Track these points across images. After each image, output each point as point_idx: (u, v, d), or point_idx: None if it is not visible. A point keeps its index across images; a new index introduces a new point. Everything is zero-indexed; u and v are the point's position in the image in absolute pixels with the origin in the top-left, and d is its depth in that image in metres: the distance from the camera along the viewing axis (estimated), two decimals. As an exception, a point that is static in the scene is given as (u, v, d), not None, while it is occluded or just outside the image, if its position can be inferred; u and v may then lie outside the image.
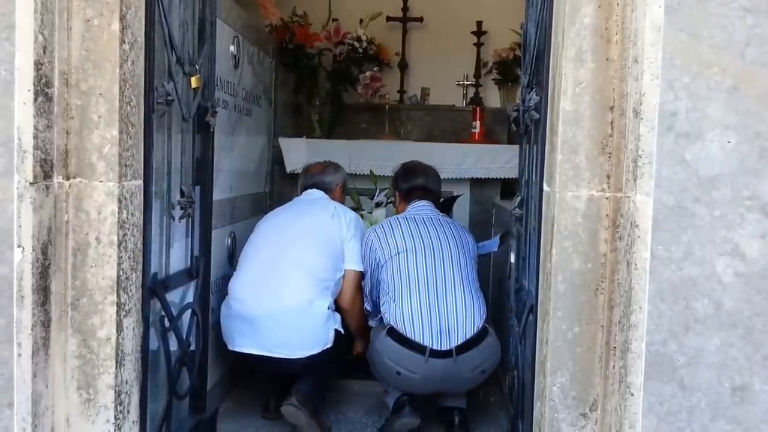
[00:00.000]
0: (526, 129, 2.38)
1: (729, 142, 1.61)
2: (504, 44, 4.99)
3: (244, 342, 3.05)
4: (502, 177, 4.37)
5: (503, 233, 3.61)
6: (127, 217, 1.96)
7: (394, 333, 2.97)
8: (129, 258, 1.99)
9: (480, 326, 2.96)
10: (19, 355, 1.78)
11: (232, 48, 3.38)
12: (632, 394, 1.68)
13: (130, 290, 2.01)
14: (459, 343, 2.91)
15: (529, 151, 2.33)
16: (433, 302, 2.97)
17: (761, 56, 1.60)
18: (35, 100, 1.76)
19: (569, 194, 1.85)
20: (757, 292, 1.60)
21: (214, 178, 2.73)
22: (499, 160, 4.36)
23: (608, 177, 1.84)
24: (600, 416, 1.84)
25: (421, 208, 3.29)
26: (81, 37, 1.86)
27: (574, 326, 1.85)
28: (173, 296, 2.39)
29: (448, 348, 2.90)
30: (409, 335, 2.94)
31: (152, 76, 2.05)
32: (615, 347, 1.79)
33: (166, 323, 2.28)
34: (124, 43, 1.89)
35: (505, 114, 2.97)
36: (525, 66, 2.41)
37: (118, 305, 1.94)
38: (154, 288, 2.16)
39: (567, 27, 1.84)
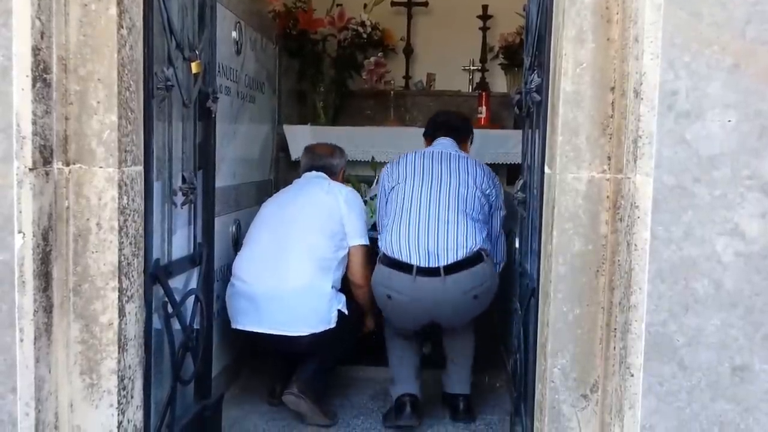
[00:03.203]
0: (528, 112, 2.37)
1: (729, 121, 1.60)
2: (510, 28, 4.94)
3: (247, 320, 3.07)
4: (508, 162, 4.35)
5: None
6: (127, 202, 1.96)
7: (385, 258, 2.99)
8: (130, 244, 2.00)
9: (473, 251, 2.93)
10: (21, 340, 1.79)
11: (234, 34, 3.37)
12: (632, 375, 1.67)
13: (132, 276, 2.02)
14: (448, 263, 2.89)
15: (531, 134, 2.32)
16: (424, 225, 2.95)
17: (762, 34, 1.58)
18: (33, 85, 1.76)
19: (570, 176, 1.84)
20: (757, 272, 1.59)
21: (217, 165, 2.73)
22: (505, 146, 4.34)
23: (609, 158, 1.83)
24: (600, 397, 1.84)
25: (439, 144, 3.26)
26: (78, 22, 1.86)
27: (575, 308, 1.85)
28: (176, 283, 2.40)
29: (436, 266, 2.88)
30: (397, 257, 2.94)
31: (151, 61, 2.05)
32: (615, 328, 1.78)
33: (169, 309, 2.29)
34: (122, 27, 1.89)
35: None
36: (527, 48, 2.40)
37: (120, 291, 1.95)
38: (156, 274, 2.17)
39: (567, 7, 1.82)
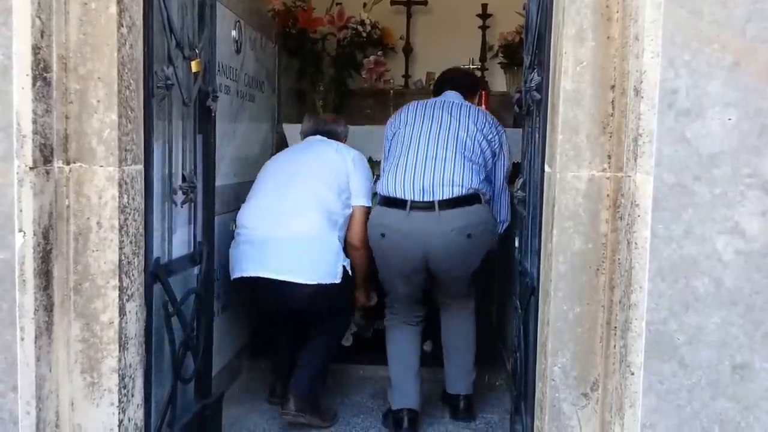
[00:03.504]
0: (528, 110, 2.36)
1: (729, 119, 1.60)
2: (510, 27, 4.94)
3: (250, 266, 2.98)
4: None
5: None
6: (128, 201, 1.97)
7: (381, 199, 2.98)
8: (131, 242, 2.00)
9: (470, 191, 2.90)
10: (22, 339, 1.79)
11: (233, 33, 3.37)
12: (633, 373, 1.67)
13: (132, 274, 2.02)
14: (443, 198, 2.87)
15: (531, 133, 2.32)
16: (420, 164, 2.93)
17: (762, 32, 1.58)
18: (34, 84, 1.77)
19: (570, 174, 1.84)
20: (758, 270, 1.59)
21: (217, 164, 2.73)
22: (504, 144, 4.33)
23: (609, 157, 1.83)
24: (601, 395, 1.84)
25: (444, 95, 3.21)
26: (78, 21, 1.86)
27: (575, 306, 1.85)
28: (177, 281, 2.40)
29: (430, 200, 2.87)
30: (392, 194, 2.92)
31: (151, 60, 2.05)
32: (616, 327, 1.78)
33: (170, 308, 2.30)
34: (122, 26, 1.89)
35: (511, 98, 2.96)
36: (527, 46, 2.40)
37: (121, 289, 1.95)
38: (156, 272, 2.17)
39: (567, 5, 1.82)
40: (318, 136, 3.32)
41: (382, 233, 2.94)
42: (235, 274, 3.04)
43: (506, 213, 3.16)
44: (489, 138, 3.04)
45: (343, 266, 3.00)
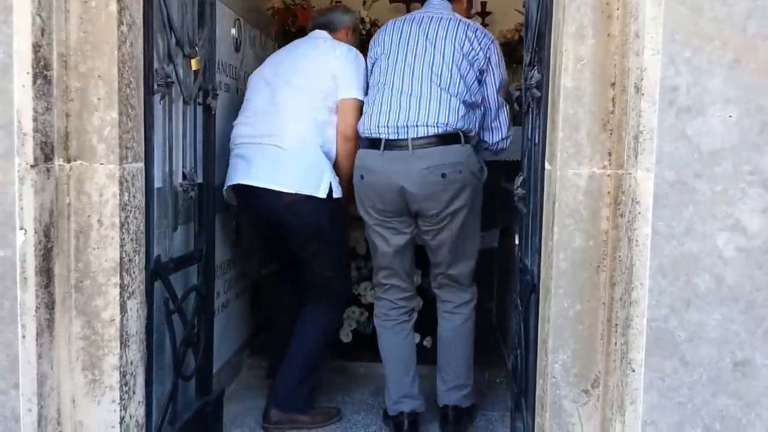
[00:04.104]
0: (528, 108, 2.37)
1: (730, 116, 1.60)
2: (509, 25, 4.95)
3: (237, 176, 2.93)
4: (508, 159, 4.34)
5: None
6: (128, 199, 1.97)
7: (361, 141, 2.92)
8: (131, 240, 2.00)
9: (448, 130, 2.78)
10: (24, 336, 1.79)
11: (233, 31, 3.37)
12: (633, 370, 1.68)
13: (134, 272, 2.02)
14: (417, 136, 2.77)
15: (531, 130, 2.32)
16: (396, 101, 2.81)
17: (762, 29, 1.58)
18: (34, 82, 1.77)
19: (570, 172, 1.84)
20: (759, 267, 1.59)
21: (217, 162, 2.73)
22: (504, 142, 4.32)
23: (609, 154, 1.83)
24: (602, 392, 1.85)
25: (429, 6, 3.04)
26: (79, 19, 1.86)
27: (576, 304, 1.85)
28: (178, 279, 2.40)
29: (404, 138, 2.77)
30: (367, 134, 2.85)
31: (151, 58, 2.05)
32: (616, 324, 1.79)
33: (171, 305, 2.30)
34: (122, 24, 1.89)
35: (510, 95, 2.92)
36: (527, 44, 2.40)
37: (122, 287, 1.96)
38: (157, 270, 2.17)
39: (567, 3, 1.82)
40: (316, 31, 3.15)
41: (361, 175, 2.87)
42: (225, 186, 3.00)
43: (506, 129, 3.03)
44: (471, 57, 2.87)
45: (331, 187, 2.88)
